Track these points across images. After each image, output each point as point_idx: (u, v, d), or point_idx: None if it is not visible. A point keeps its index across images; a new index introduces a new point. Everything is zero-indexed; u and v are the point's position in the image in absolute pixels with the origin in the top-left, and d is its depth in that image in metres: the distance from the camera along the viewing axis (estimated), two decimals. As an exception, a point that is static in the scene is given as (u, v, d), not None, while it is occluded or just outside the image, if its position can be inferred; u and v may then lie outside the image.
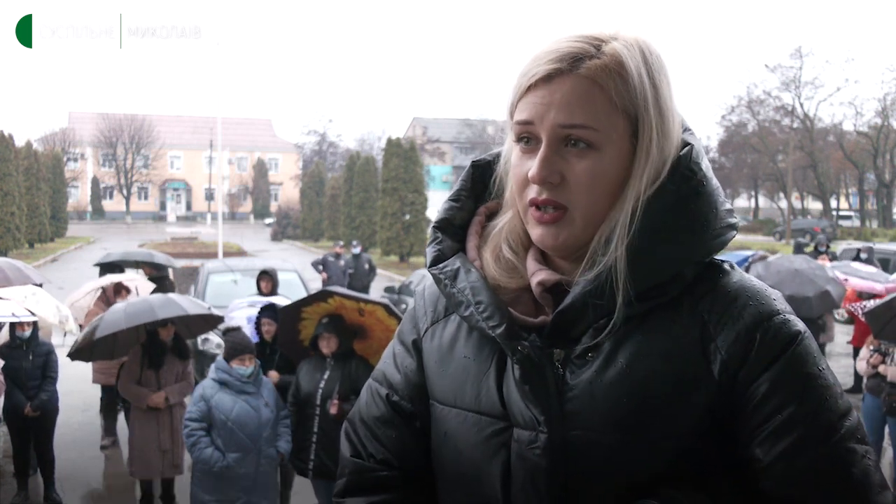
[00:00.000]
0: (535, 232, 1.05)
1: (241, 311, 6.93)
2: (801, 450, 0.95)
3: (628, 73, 0.99)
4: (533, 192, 1.03)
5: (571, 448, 1.00)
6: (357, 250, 15.57)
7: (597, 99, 0.99)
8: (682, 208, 1.00)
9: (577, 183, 1.01)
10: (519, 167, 1.05)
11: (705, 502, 0.96)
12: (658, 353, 0.99)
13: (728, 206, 1.05)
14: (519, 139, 1.05)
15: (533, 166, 1.02)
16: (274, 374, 5.52)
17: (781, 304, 1.03)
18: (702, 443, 0.98)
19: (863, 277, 9.48)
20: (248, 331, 6.04)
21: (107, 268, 10.24)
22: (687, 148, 1.03)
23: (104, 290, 8.33)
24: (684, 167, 1.02)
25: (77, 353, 5.91)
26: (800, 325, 1.02)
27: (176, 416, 5.75)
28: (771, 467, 0.96)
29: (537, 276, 1.07)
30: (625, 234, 0.99)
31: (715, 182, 1.05)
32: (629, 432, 0.98)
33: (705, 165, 1.04)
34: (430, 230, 1.18)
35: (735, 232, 1.05)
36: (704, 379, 0.99)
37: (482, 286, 1.08)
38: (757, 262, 9.61)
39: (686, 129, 1.08)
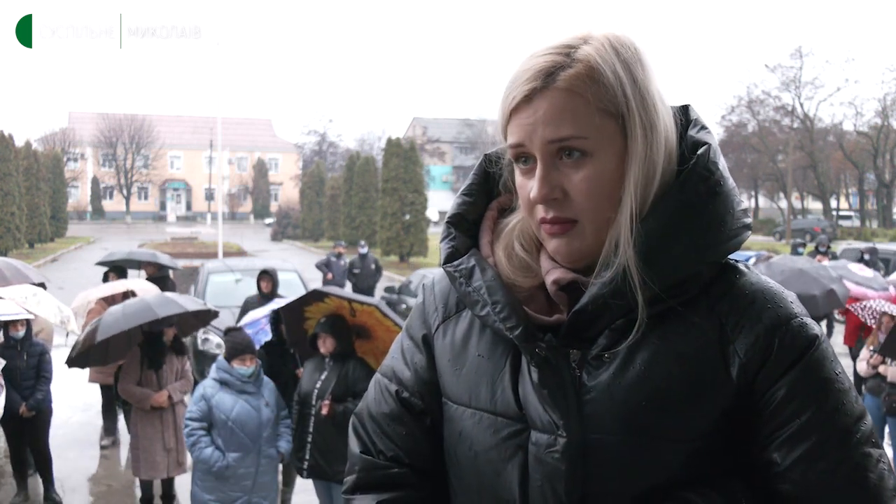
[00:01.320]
0: (550, 246, 1.06)
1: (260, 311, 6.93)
2: (820, 455, 0.96)
3: (602, 74, 0.99)
4: (541, 211, 1.03)
5: (589, 451, 0.99)
6: (364, 250, 15.61)
7: (578, 107, 0.99)
8: (700, 208, 1.00)
9: (579, 193, 1.01)
10: (523, 188, 1.05)
11: None
12: (675, 355, 0.99)
13: (744, 205, 1.05)
14: (517, 160, 1.06)
15: (533, 188, 1.02)
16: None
17: (798, 306, 1.03)
18: (717, 445, 0.99)
19: (857, 282, 9.39)
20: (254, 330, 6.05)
21: (111, 268, 10.18)
22: (704, 147, 1.03)
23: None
24: (702, 167, 1.01)
25: (74, 360, 5.92)
26: (816, 328, 1.01)
27: (179, 414, 5.74)
28: (789, 471, 0.96)
29: (552, 274, 1.06)
30: (629, 234, 0.99)
31: (731, 182, 1.04)
32: (647, 435, 0.98)
33: (722, 165, 1.03)
34: (443, 226, 1.17)
35: (749, 232, 1.05)
36: (722, 381, 0.98)
37: (498, 285, 1.07)
38: (760, 263, 9.59)
39: (703, 128, 1.07)
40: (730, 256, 1.06)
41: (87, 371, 7.91)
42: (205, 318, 6.40)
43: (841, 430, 0.97)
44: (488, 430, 1.06)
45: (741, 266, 1.07)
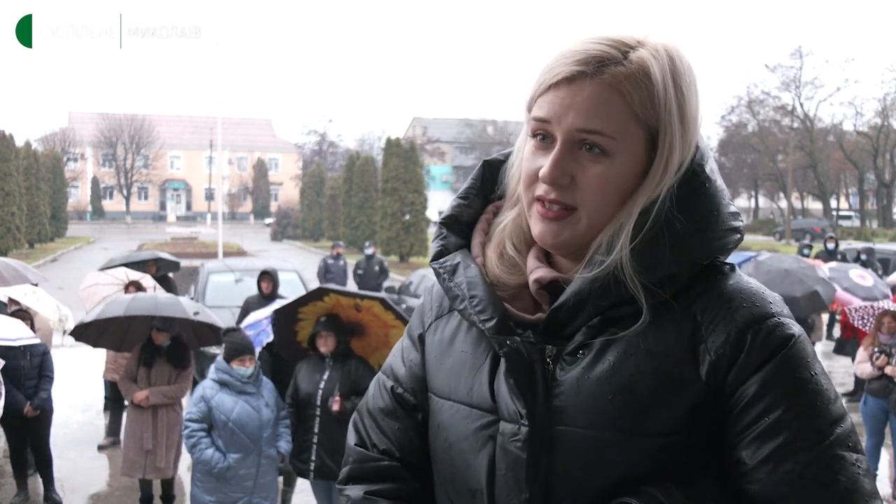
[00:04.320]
0: (537, 228, 1.05)
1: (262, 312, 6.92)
2: (787, 454, 0.93)
3: (653, 83, 0.98)
4: (541, 189, 1.03)
5: (555, 443, 1.00)
6: (370, 251, 15.56)
7: (617, 107, 0.98)
8: (680, 207, 1.00)
9: (587, 186, 1.00)
10: (531, 162, 1.04)
11: (684, 501, 0.95)
12: (646, 351, 0.99)
13: (733, 209, 1.04)
14: (534, 134, 1.05)
15: (545, 166, 1.01)
16: None
17: (778, 307, 1.01)
18: (688, 442, 0.98)
19: (846, 288, 9.21)
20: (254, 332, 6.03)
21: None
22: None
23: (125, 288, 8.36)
24: (687, 166, 1.02)
25: (76, 328, 6.16)
26: (795, 328, 1.00)
27: (161, 418, 5.76)
28: (756, 470, 0.95)
29: (535, 273, 1.08)
30: (628, 237, 0.99)
31: (720, 184, 1.04)
32: (613, 429, 0.98)
33: (710, 167, 1.03)
34: (436, 226, 1.19)
35: (739, 236, 1.04)
36: (691, 380, 0.98)
37: (479, 281, 1.09)
38: (748, 262, 9.54)
39: None
40: (731, 258, 1.06)
41: (89, 371, 7.94)
42: (210, 333, 6.38)
43: (812, 431, 0.94)
44: (463, 422, 1.09)
45: (725, 268, 1.06)
